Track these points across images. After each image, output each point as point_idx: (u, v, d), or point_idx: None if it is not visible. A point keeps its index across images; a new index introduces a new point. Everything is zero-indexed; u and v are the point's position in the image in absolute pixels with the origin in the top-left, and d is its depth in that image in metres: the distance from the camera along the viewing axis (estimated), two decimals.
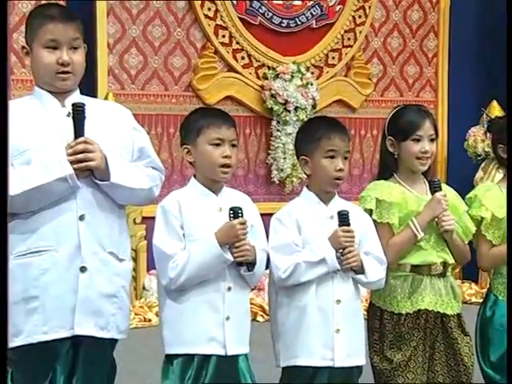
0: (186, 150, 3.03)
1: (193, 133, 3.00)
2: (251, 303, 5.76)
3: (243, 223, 2.93)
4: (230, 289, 2.96)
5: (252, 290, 5.82)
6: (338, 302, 3.06)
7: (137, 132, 3.01)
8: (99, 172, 2.83)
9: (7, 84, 2.68)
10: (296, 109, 6.24)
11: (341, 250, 3.03)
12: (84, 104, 2.83)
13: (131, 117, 3.06)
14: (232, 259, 2.92)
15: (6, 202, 2.36)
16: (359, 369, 3.14)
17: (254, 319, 5.71)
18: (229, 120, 3.03)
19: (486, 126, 6.19)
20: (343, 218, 3.06)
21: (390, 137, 3.35)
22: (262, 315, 5.63)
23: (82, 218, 2.82)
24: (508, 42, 4.09)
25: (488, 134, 6.34)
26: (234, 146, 3.01)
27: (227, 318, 2.95)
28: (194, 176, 3.06)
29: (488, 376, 3.48)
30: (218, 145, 2.98)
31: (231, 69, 6.29)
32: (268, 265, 3.08)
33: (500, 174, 3.71)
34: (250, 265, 2.96)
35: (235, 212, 2.94)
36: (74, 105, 2.82)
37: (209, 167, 2.99)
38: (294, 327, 3.06)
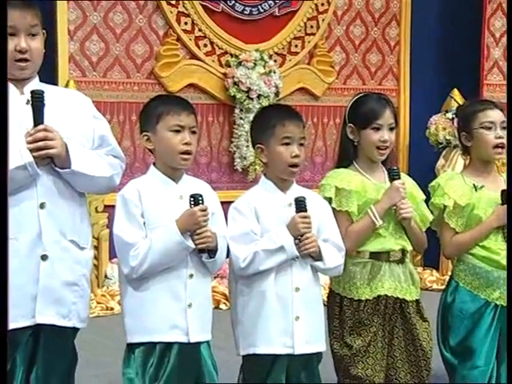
0: (145, 137, 3.02)
1: (152, 119, 2.99)
2: (214, 291, 5.80)
3: (204, 210, 2.93)
4: (191, 276, 2.96)
5: (215, 277, 5.92)
6: (297, 289, 3.07)
7: (97, 120, 3.00)
8: (60, 160, 2.81)
9: (7, 84, 2.67)
10: (259, 96, 6.24)
11: (299, 237, 3.05)
12: (43, 91, 2.81)
13: (91, 105, 3.04)
14: (193, 246, 2.92)
15: (5, 200, 2.37)
16: (319, 355, 3.16)
17: (216, 307, 5.71)
18: (188, 107, 3.03)
19: (453, 112, 6.26)
20: (300, 204, 3.07)
21: (350, 124, 3.37)
22: (224, 303, 5.63)
23: (42, 206, 2.81)
24: (508, 42, 4.12)
25: (448, 121, 6.44)
26: (193, 132, 3.01)
27: (189, 306, 2.95)
28: (154, 164, 3.06)
29: (447, 360, 3.52)
30: (177, 131, 2.97)
31: (194, 56, 6.26)
32: (229, 252, 3.10)
33: (462, 161, 3.74)
34: (212, 252, 2.96)
35: (196, 199, 2.94)
36: (32, 92, 2.80)
37: (169, 154, 2.98)
38: (253, 315, 3.07)
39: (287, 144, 3.10)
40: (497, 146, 3.48)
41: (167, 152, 2.98)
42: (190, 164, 3.02)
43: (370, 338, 3.32)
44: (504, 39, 6.92)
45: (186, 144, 2.97)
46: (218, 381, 3.06)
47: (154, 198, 2.96)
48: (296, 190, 3.17)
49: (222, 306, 5.65)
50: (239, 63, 6.26)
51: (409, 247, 3.39)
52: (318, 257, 3.09)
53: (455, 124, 5.96)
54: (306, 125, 3.20)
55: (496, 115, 3.50)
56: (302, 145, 3.13)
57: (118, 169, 3.02)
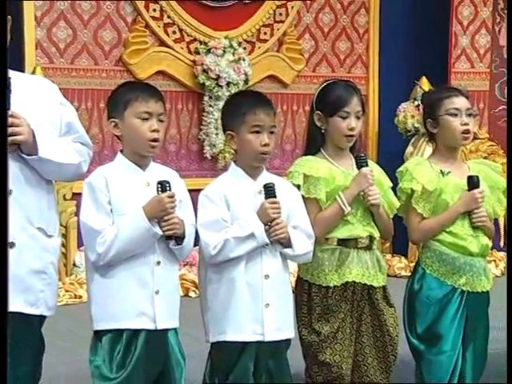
0: (113, 124, 3.01)
1: (120, 106, 2.98)
2: (183, 279, 5.80)
3: (171, 197, 2.93)
4: (159, 263, 2.96)
5: (184, 265, 5.92)
6: (267, 276, 3.08)
7: (64, 107, 2.98)
8: (26, 146, 2.80)
9: (7, 82, 2.65)
10: (228, 84, 6.21)
11: (269, 223, 3.05)
12: (9, 78, 2.78)
13: (58, 91, 3.02)
14: (161, 233, 2.92)
15: (6, 199, 2.37)
16: (288, 342, 3.18)
17: (186, 295, 5.70)
18: (156, 94, 3.02)
19: (419, 99, 6.29)
20: (269, 191, 3.08)
21: (318, 112, 3.38)
22: (194, 291, 5.63)
23: (9, 193, 2.78)
24: (508, 42, 4.14)
25: (418, 108, 6.46)
26: (161, 120, 3.00)
27: (156, 292, 2.95)
28: (121, 151, 3.05)
29: (414, 346, 3.55)
30: (145, 119, 2.96)
31: (162, 43, 6.21)
32: (198, 240, 3.09)
33: (430, 149, 3.77)
34: (179, 239, 2.96)
35: (163, 186, 2.93)
36: None
37: (136, 141, 2.97)
38: (223, 303, 3.07)
39: (257, 132, 3.10)
40: (463, 132, 3.50)
41: (135, 139, 2.97)
42: (157, 151, 3.02)
43: (338, 324, 3.34)
44: (471, 27, 6.97)
45: (153, 131, 2.96)
46: (186, 368, 3.07)
47: (121, 185, 2.95)
48: (266, 177, 3.17)
49: (192, 294, 5.64)
50: (208, 50, 6.23)
51: (376, 234, 3.41)
52: (287, 243, 3.10)
53: (421, 111, 6.00)
54: (276, 112, 3.21)
55: (461, 102, 3.53)
56: (272, 133, 3.13)
57: (86, 156, 3.01)
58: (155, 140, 2.97)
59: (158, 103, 2.99)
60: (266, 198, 3.08)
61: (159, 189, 2.93)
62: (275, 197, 3.07)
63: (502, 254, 6.89)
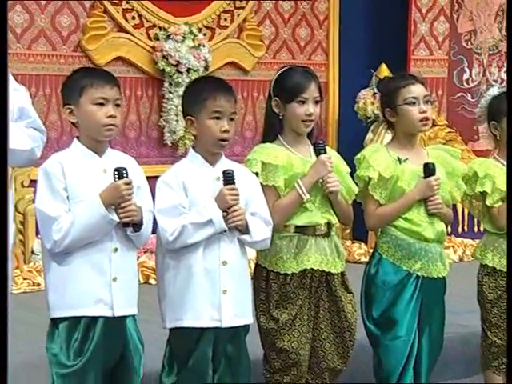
0: (68, 110, 2.99)
1: (75, 92, 2.96)
2: (144, 266, 5.78)
3: (128, 183, 2.92)
4: (116, 250, 2.95)
5: (144, 252, 5.89)
6: (225, 263, 3.08)
7: (16, 92, 2.95)
8: None
9: (7, 81, 2.61)
10: (188, 70, 6.18)
11: (227, 210, 3.05)
12: None
13: (10, 76, 2.98)
14: (117, 220, 2.91)
15: (6, 199, 2.36)
16: (246, 328, 3.19)
17: (146, 282, 5.69)
18: (112, 79, 3.00)
19: (375, 86, 6.32)
20: (228, 177, 3.08)
21: (276, 98, 3.38)
22: (154, 278, 5.57)
23: None
24: (508, 40, 4.15)
25: (377, 95, 6.49)
26: (118, 105, 2.98)
27: (114, 279, 2.94)
28: (77, 137, 3.02)
29: (370, 331, 3.57)
30: (101, 104, 2.95)
31: (121, 29, 6.16)
32: (156, 227, 3.08)
33: (389, 135, 3.79)
34: (137, 225, 2.95)
35: (120, 172, 2.92)
36: None
37: (93, 127, 2.95)
38: (180, 289, 3.07)
39: (217, 118, 3.09)
40: (421, 120, 3.52)
41: (91, 125, 2.95)
42: (113, 137, 3.00)
43: (296, 311, 3.35)
44: (430, 14, 7.01)
45: (110, 117, 2.95)
46: (146, 354, 3.06)
47: (77, 172, 2.93)
48: (225, 164, 3.16)
49: (152, 281, 5.61)
50: (168, 36, 6.19)
51: (334, 221, 3.42)
52: (245, 230, 3.10)
53: (377, 98, 6.03)
54: (237, 99, 3.21)
55: (419, 90, 3.55)
56: (232, 119, 3.13)
57: (39, 141, 2.98)
58: (111, 125, 2.95)
59: (114, 89, 2.98)
60: (225, 184, 3.07)
61: (116, 175, 2.92)
62: (234, 183, 3.07)
63: (461, 240, 6.97)
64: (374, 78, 6.49)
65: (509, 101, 3.84)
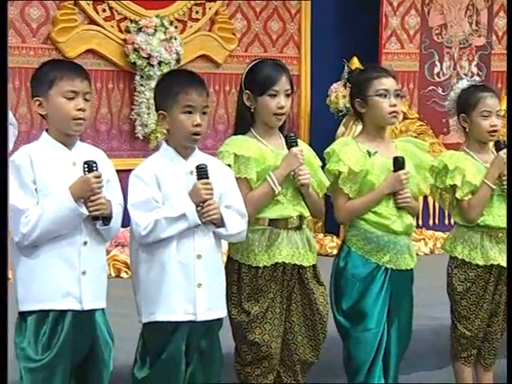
0: (37, 103, 2.96)
1: (44, 85, 2.93)
2: (115, 260, 5.76)
3: (98, 177, 2.90)
4: (85, 243, 2.93)
5: (116, 246, 5.87)
6: (199, 256, 3.07)
7: None
8: None
9: (7, 81, 2.58)
10: (160, 63, 6.17)
11: (201, 204, 3.04)
12: None
13: None
14: (87, 213, 2.89)
15: (6, 202, 2.35)
16: (219, 321, 3.18)
17: (117, 275, 5.69)
18: (82, 72, 2.98)
19: (346, 77, 6.34)
20: (201, 172, 3.06)
21: (247, 91, 3.37)
22: (126, 271, 5.60)
23: None
24: (508, 41, 4.16)
25: (347, 86, 6.51)
26: (87, 99, 2.96)
27: (83, 273, 2.92)
28: (46, 130, 3.00)
29: (340, 323, 3.58)
30: (71, 98, 2.92)
31: (92, 21, 6.13)
32: (127, 220, 3.07)
33: (360, 128, 3.80)
34: (106, 219, 2.94)
35: (89, 166, 2.90)
36: None
37: (62, 120, 2.93)
38: (155, 283, 3.06)
39: (189, 112, 3.08)
40: (391, 113, 3.53)
41: (60, 118, 2.93)
42: (83, 130, 2.98)
43: (268, 304, 3.35)
44: (401, 8, 7.04)
45: (79, 110, 2.92)
46: (116, 348, 3.06)
47: (46, 165, 2.91)
48: (198, 158, 3.15)
49: (123, 275, 5.62)
50: (139, 29, 6.17)
51: (306, 213, 3.43)
52: (220, 223, 3.09)
53: (347, 89, 6.04)
54: (209, 93, 3.20)
55: (390, 83, 3.56)
56: (204, 113, 3.12)
57: (11, 135, 2.95)
58: (81, 119, 2.93)
59: (84, 82, 2.96)
60: (199, 178, 3.06)
61: (86, 169, 2.90)
62: (207, 178, 3.06)
63: (432, 233, 7.02)
64: (345, 67, 6.51)
65: (509, 100, 3.87)
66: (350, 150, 3.54)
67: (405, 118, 6.88)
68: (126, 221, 3.10)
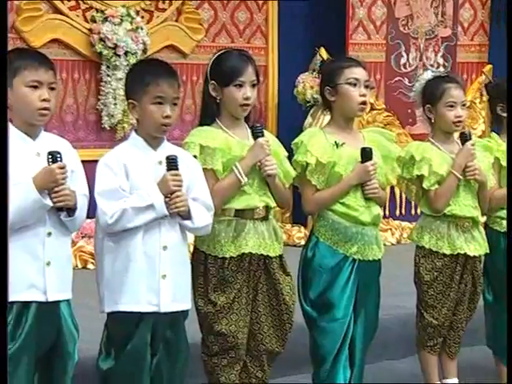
0: None
1: (9, 74, 2.89)
2: (81, 251, 5.73)
3: (62, 167, 2.88)
4: (50, 234, 2.91)
5: (82, 237, 5.83)
6: (165, 248, 3.07)
7: None
8: None
9: (6, 80, 2.53)
10: (126, 53, 6.13)
11: (169, 195, 3.03)
12: None
13: None
14: (51, 204, 2.87)
15: (6, 202, 2.39)
16: (185, 313, 3.17)
17: (84, 267, 5.66)
18: (47, 62, 2.95)
19: (318, 66, 6.35)
20: (171, 163, 3.05)
21: (213, 81, 3.36)
22: (92, 263, 5.56)
23: None
24: (508, 41, 4.19)
25: (316, 80, 6.51)
26: (52, 89, 2.94)
27: (48, 264, 2.91)
28: (10, 120, 2.97)
29: (307, 313, 3.59)
30: (35, 87, 2.90)
31: (57, 11, 6.07)
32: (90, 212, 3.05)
33: (328, 119, 3.81)
34: (71, 210, 2.92)
35: (54, 156, 2.88)
36: None
37: (26, 110, 2.91)
38: (119, 273, 3.04)
39: (160, 103, 3.06)
40: (360, 103, 3.54)
41: (24, 108, 2.91)
42: (47, 120, 2.96)
43: (234, 294, 3.35)
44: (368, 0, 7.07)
45: (43, 100, 2.90)
46: (81, 340, 3.04)
47: (9, 155, 2.87)
48: (167, 148, 3.14)
49: (90, 266, 5.59)
50: (105, 19, 6.12)
51: (272, 204, 3.43)
52: (187, 216, 3.08)
53: (319, 81, 6.04)
54: (180, 84, 3.19)
55: (361, 73, 3.57)
56: (175, 104, 3.11)
57: None
58: (45, 109, 2.90)
59: (49, 72, 2.93)
60: (168, 170, 3.05)
61: (50, 159, 2.88)
62: (177, 169, 3.05)
63: (398, 223, 7.06)
64: (318, 56, 6.52)
65: (509, 100, 3.90)
66: (318, 141, 3.54)
67: (372, 108, 6.90)
68: (93, 212, 3.08)
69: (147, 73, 3.10)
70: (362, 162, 3.51)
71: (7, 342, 2.36)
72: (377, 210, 3.59)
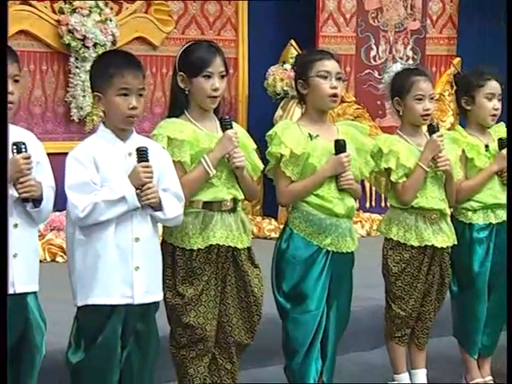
0: None
1: None
2: (51, 244, 5.70)
3: (27, 158, 2.86)
4: (16, 226, 2.90)
5: (51, 230, 5.80)
6: (137, 239, 3.06)
7: None
8: None
9: (7, 81, 2.49)
10: (95, 45, 6.10)
11: (140, 187, 3.02)
12: None
13: None
14: (16, 195, 2.86)
15: (6, 201, 2.37)
16: (156, 304, 3.18)
17: (53, 260, 5.62)
18: (11, 54, 2.92)
19: (293, 60, 6.35)
20: (142, 155, 3.05)
21: (181, 73, 3.35)
22: (61, 256, 5.54)
23: None
24: (508, 42, 4.19)
25: (286, 72, 6.52)
26: (16, 81, 2.91)
27: (14, 256, 2.89)
28: None
29: (280, 304, 3.59)
30: None
31: (25, 2, 6.03)
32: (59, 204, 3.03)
33: (299, 111, 3.81)
34: (37, 201, 2.90)
35: (18, 147, 2.86)
36: None
37: None
38: (92, 266, 3.03)
39: (125, 95, 3.05)
40: (331, 96, 3.54)
41: None
42: (11, 114, 2.92)
43: (202, 286, 3.35)
44: None
45: (8, 94, 2.87)
46: (50, 332, 3.04)
47: None
48: (136, 140, 3.14)
49: (59, 259, 5.56)
50: (73, 10, 6.09)
51: (240, 196, 3.42)
52: (158, 207, 3.08)
53: (288, 73, 6.06)
54: (145, 75, 3.18)
55: (332, 65, 3.57)
56: (141, 95, 3.09)
57: None
58: (10, 102, 2.87)
59: (14, 64, 2.91)
60: (139, 161, 3.05)
61: (14, 150, 2.86)
62: (148, 161, 3.05)
63: (368, 215, 7.10)
64: (289, 50, 6.52)
65: (509, 99, 3.92)
66: (292, 132, 3.54)
67: (342, 101, 6.91)
68: (62, 204, 3.06)
69: (111, 64, 3.09)
70: (336, 153, 3.52)
71: (7, 341, 2.34)
72: (351, 202, 3.60)
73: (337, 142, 3.52)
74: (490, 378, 4.16)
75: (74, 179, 3.00)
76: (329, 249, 3.55)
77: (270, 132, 3.57)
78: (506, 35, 4.38)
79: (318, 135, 3.55)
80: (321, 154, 3.52)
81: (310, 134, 3.54)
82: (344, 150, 3.52)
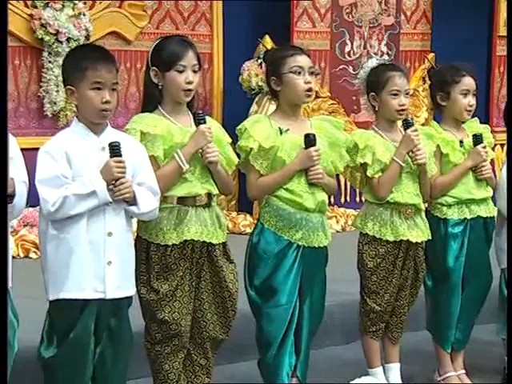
0: None
1: None
2: (24, 240, 5.66)
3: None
4: None
5: (24, 226, 5.76)
6: (110, 234, 3.05)
7: None
8: None
9: (6, 79, 2.46)
10: (68, 40, 6.06)
11: (113, 182, 3.00)
12: None
13: None
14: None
15: (5, 200, 2.39)
16: (129, 299, 3.17)
17: (26, 256, 5.58)
18: None
19: (262, 56, 6.34)
20: (114, 149, 3.03)
21: (154, 68, 3.34)
22: (35, 252, 5.50)
23: None
24: (508, 44, 4.19)
25: (262, 67, 6.51)
26: None
27: None
28: None
29: (252, 299, 3.60)
30: None
31: None
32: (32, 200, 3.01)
33: (274, 107, 3.80)
34: (9, 197, 2.87)
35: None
36: None
37: None
38: (64, 260, 3.02)
39: (98, 89, 3.03)
40: (306, 90, 3.54)
41: None
42: None
43: (177, 282, 3.34)
44: None
45: None
46: (22, 329, 3.02)
47: None
48: (110, 134, 3.12)
49: (32, 255, 5.52)
50: (46, 4, 6.04)
51: (215, 191, 3.42)
52: (132, 201, 3.07)
53: (263, 69, 6.03)
54: (119, 69, 3.16)
55: (304, 60, 3.57)
56: (114, 90, 3.08)
57: None
58: None
59: None
60: (111, 156, 3.03)
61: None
62: (120, 155, 3.04)
63: (343, 210, 7.11)
64: (260, 46, 6.50)
65: (509, 99, 3.92)
66: (261, 126, 3.54)
67: (317, 96, 6.91)
68: (35, 200, 3.04)
69: (84, 58, 3.07)
70: (306, 147, 3.52)
71: (7, 341, 2.32)
72: (322, 197, 3.59)
73: (306, 136, 3.52)
74: (463, 371, 4.18)
75: (45, 173, 2.98)
76: (299, 243, 3.55)
77: (240, 126, 3.57)
78: (506, 35, 4.40)
79: (288, 129, 3.54)
80: (290, 148, 3.52)
81: (280, 128, 3.54)
82: (313, 144, 3.51)
